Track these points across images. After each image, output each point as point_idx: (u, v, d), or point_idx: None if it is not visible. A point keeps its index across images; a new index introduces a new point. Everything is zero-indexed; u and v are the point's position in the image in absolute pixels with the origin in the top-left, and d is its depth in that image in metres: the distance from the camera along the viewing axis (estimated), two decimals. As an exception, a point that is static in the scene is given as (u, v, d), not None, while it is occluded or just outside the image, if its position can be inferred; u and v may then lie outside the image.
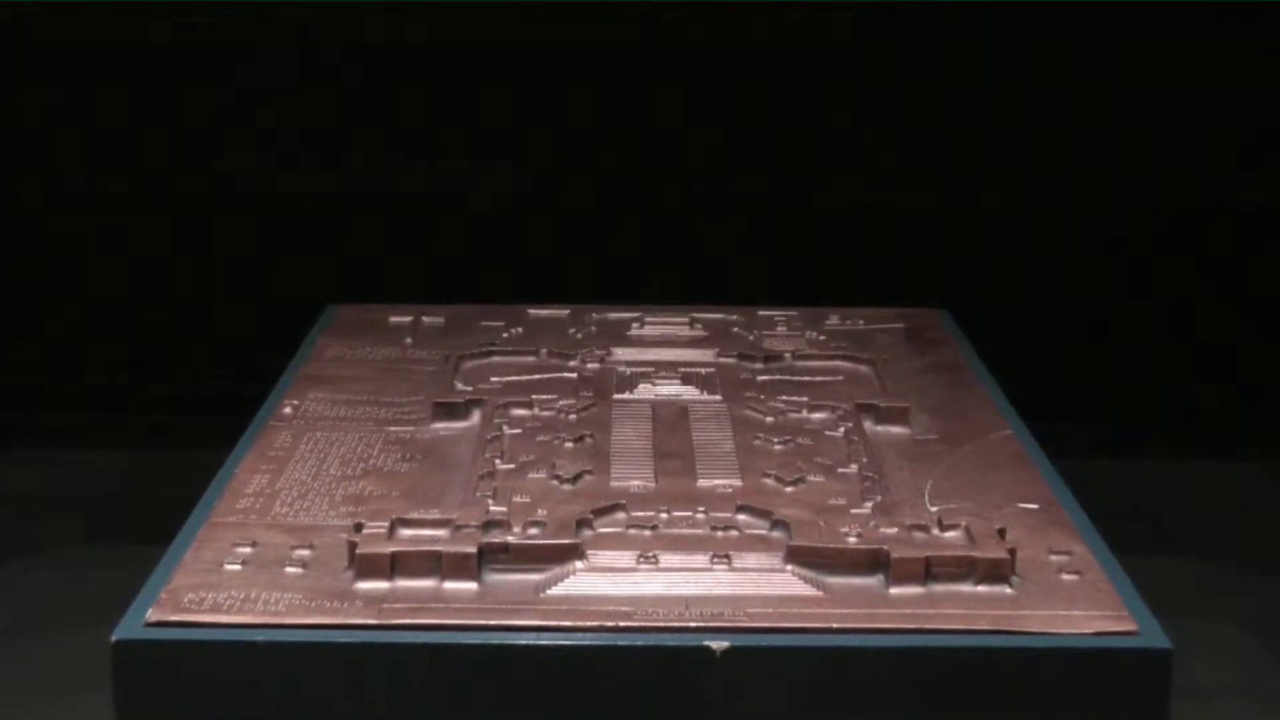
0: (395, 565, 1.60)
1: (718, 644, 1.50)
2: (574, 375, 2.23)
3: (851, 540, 1.64)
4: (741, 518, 1.73)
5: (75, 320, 4.16)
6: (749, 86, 4.09)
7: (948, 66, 4.01)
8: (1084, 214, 4.14)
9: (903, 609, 1.56)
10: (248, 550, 1.67)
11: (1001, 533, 1.66)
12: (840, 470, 1.88)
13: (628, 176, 4.15)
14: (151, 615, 1.54)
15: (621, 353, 2.30)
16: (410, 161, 4.16)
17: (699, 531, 1.70)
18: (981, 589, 1.59)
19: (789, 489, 1.82)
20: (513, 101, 4.09)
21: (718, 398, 2.14)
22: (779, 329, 2.42)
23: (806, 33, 4.05)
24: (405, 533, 1.65)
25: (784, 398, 2.13)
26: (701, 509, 1.75)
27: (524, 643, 1.51)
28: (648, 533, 1.70)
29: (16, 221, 4.15)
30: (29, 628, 3.23)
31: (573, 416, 2.05)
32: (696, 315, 2.46)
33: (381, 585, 1.59)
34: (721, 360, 2.29)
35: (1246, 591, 3.44)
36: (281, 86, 4.08)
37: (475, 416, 2.06)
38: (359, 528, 1.66)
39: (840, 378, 2.24)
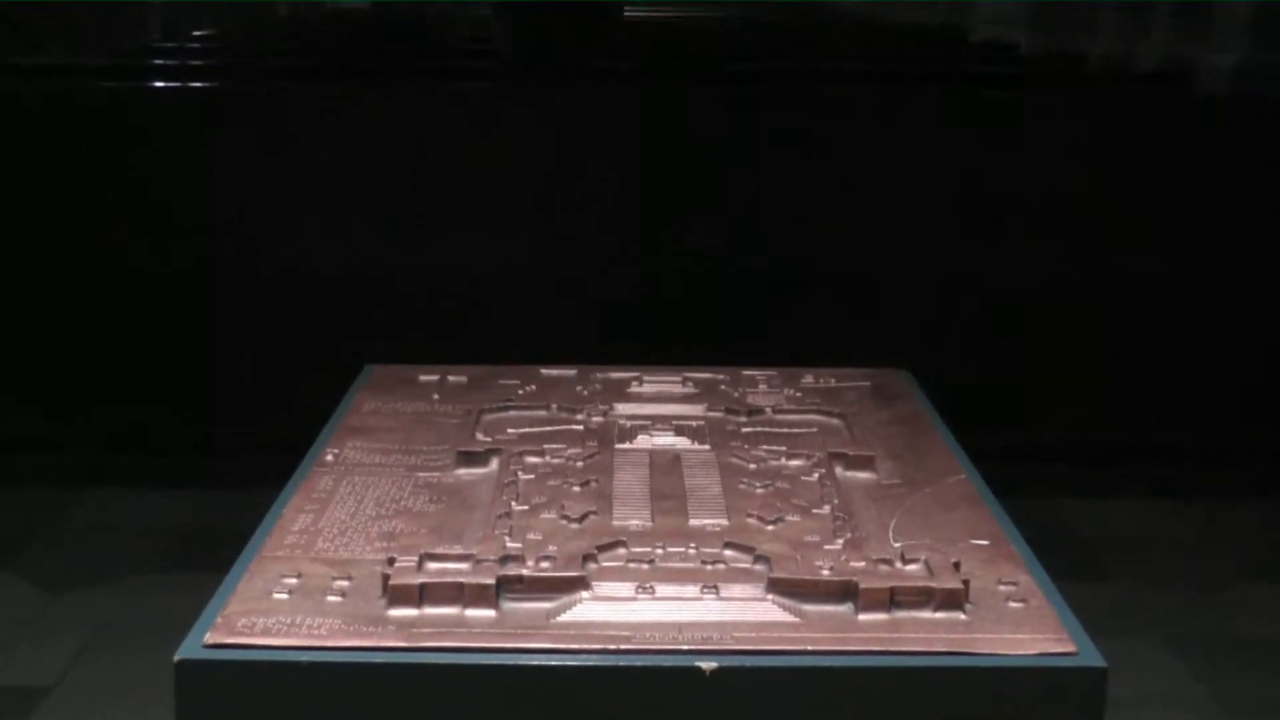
0: (423, 595, 1.59)
1: (707, 664, 1.50)
2: (581, 427, 2.22)
3: (825, 572, 1.64)
4: (728, 553, 1.73)
5: (157, 380, 4.18)
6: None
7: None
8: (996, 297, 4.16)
9: (870, 633, 1.56)
10: (294, 581, 1.66)
11: (956, 566, 1.66)
12: (815, 511, 1.87)
13: (629, 257, 4.17)
14: (209, 638, 1.54)
15: (622, 408, 2.30)
16: (440, 244, 4.17)
17: (690, 565, 1.70)
18: (939, 615, 1.59)
19: (770, 527, 1.82)
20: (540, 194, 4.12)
21: (707, 447, 2.13)
22: (760, 387, 2.41)
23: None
24: (432, 566, 1.65)
25: (765, 447, 2.13)
26: (693, 545, 1.74)
27: (536, 664, 1.51)
28: (645, 566, 1.69)
29: (112, 295, 4.18)
30: (103, 647, 3.23)
31: (580, 463, 2.05)
32: (688, 375, 2.45)
33: (411, 612, 1.58)
34: (710, 414, 2.28)
35: (1168, 612, 3.45)
36: (340, 174, 4.12)
37: (494, 463, 2.05)
38: (391, 561, 1.65)
39: (814, 429, 2.23)
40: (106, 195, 4.17)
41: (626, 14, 5.58)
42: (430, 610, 1.59)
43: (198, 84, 5.11)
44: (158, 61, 6.28)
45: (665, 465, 2.05)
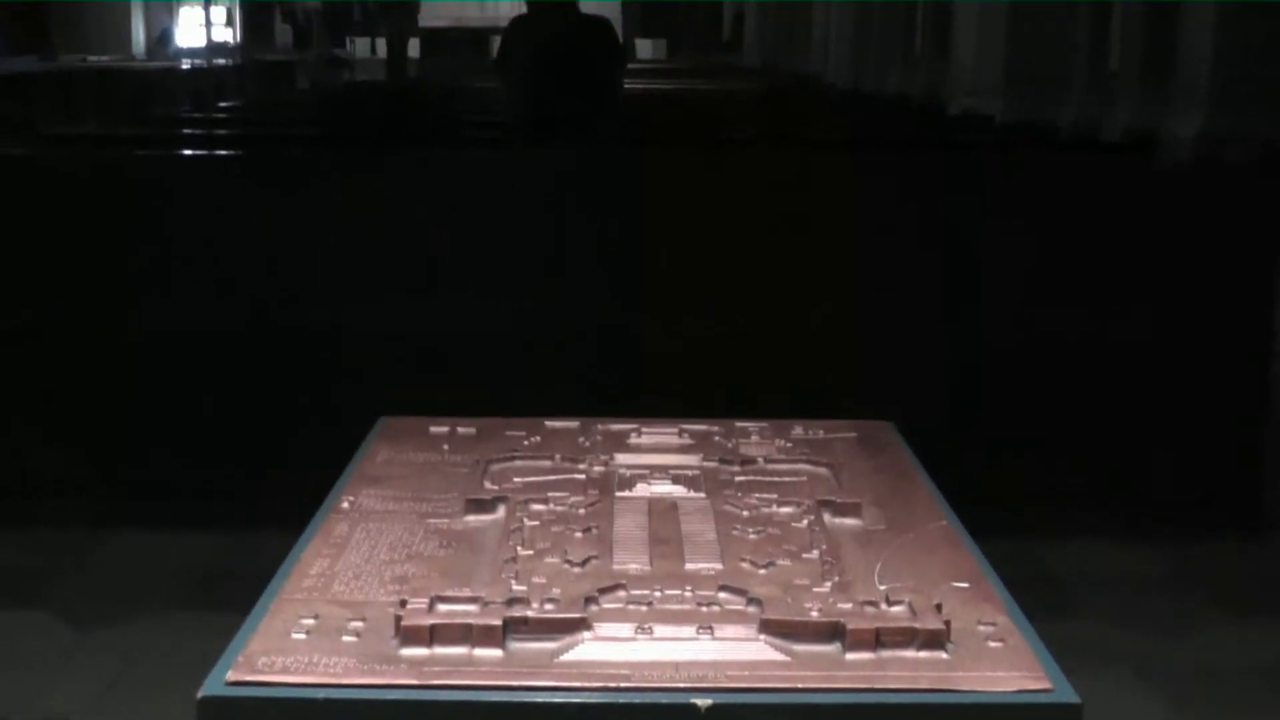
0: (434, 635, 1.59)
1: (702, 701, 1.49)
2: (583, 476, 2.22)
3: (814, 614, 1.63)
4: (722, 595, 1.72)
5: (183, 429, 4.19)
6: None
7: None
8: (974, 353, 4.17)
9: (857, 671, 1.55)
10: (311, 621, 1.65)
11: (939, 607, 1.65)
12: (804, 555, 1.87)
13: (632, 321, 4.19)
14: (231, 675, 1.53)
15: (622, 458, 2.29)
16: (452, 303, 4.19)
17: (687, 607, 1.69)
18: (922, 654, 1.58)
19: (762, 571, 1.81)
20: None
21: (702, 495, 2.13)
22: (753, 438, 2.41)
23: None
24: (442, 608, 1.64)
25: (757, 495, 2.12)
26: (689, 588, 1.74)
27: (541, 701, 1.51)
28: (644, 608, 1.68)
29: (140, 349, 4.19)
30: (131, 682, 3.22)
31: (582, 511, 2.04)
32: (684, 426, 2.45)
33: (422, 652, 1.58)
34: (705, 464, 2.27)
35: (1140, 647, 3.44)
36: (356, 235, 4.13)
37: (501, 510, 2.05)
38: (403, 603, 1.65)
39: (804, 478, 2.23)
40: (138, 255, 4.19)
41: (627, 86, 5.61)
42: (440, 650, 1.58)
43: (223, 151, 5.14)
44: (187, 131, 6.31)
45: (663, 512, 2.05)
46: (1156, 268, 4.15)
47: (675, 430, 2.43)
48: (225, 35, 29.46)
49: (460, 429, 2.45)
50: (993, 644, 1.62)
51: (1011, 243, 4.16)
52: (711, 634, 1.62)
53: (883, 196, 4.25)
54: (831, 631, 1.61)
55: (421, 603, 1.64)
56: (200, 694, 1.51)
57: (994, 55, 14.08)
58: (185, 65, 22.06)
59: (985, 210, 4.19)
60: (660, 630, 1.62)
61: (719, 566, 1.83)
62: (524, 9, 6.31)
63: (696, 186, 4.31)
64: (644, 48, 33.70)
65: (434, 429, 2.45)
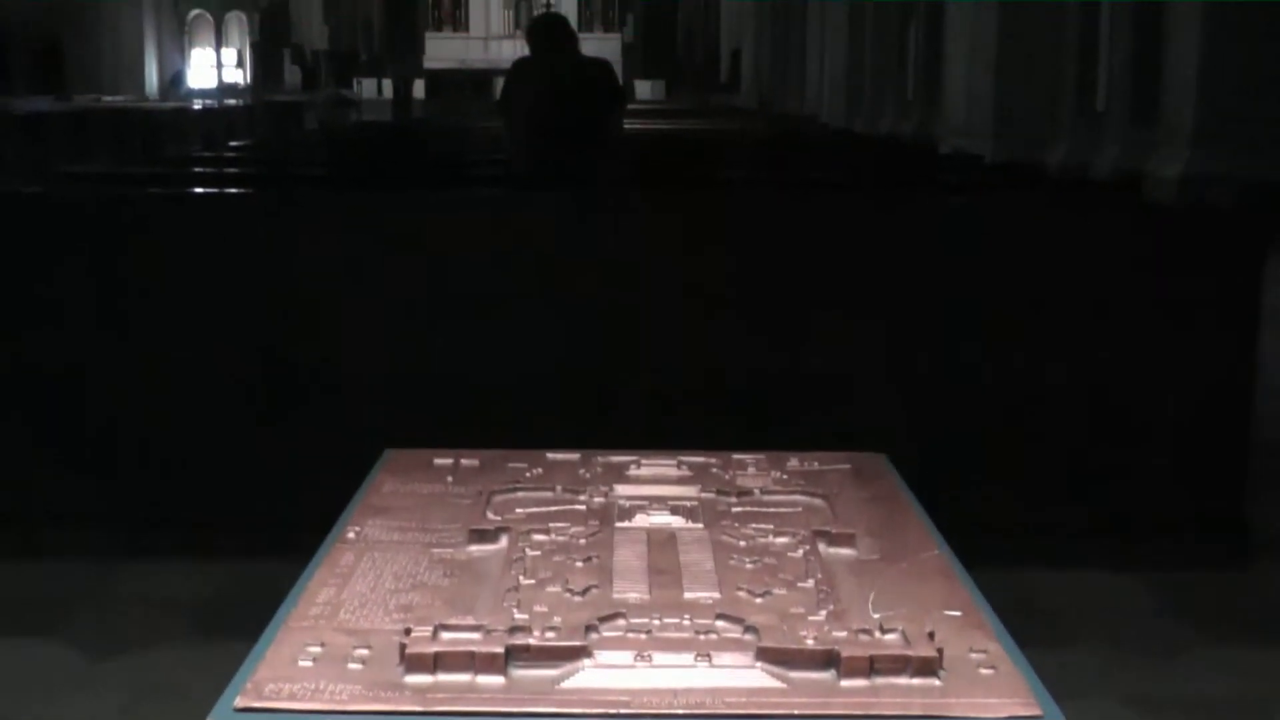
0: (438, 662, 1.59)
1: (700, 728, 1.49)
2: (583, 507, 2.21)
3: (809, 642, 1.63)
4: (720, 623, 1.72)
5: (194, 461, 4.19)
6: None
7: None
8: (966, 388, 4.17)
9: (852, 698, 1.55)
10: (318, 649, 1.65)
11: (931, 635, 1.65)
12: (800, 584, 1.87)
13: (628, 349, 4.19)
14: (239, 702, 1.53)
15: (622, 489, 2.29)
16: (454, 337, 4.19)
17: (685, 635, 1.69)
18: (916, 681, 1.58)
19: (758, 600, 1.81)
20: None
21: (700, 525, 2.13)
22: (749, 470, 2.41)
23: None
24: (446, 635, 1.64)
25: (754, 525, 2.12)
26: (687, 616, 1.74)
27: (543, 726, 1.50)
28: (643, 636, 1.68)
29: (150, 385, 4.19)
30: (143, 708, 3.21)
31: (582, 541, 2.04)
32: (682, 458, 2.45)
33: (426, 679, 1.57)
34: (703, 495, 2.27)
35: (1127, 674, 3.43)
36: (361, 272, 4.14)
37: (503, 540, 2.05)
38: (408, 631, 1.65)
39: (799, 509, 2.23)
40: (153, 291, 4.20)
41: (627, 126, 5.62)
42: (444, 677, 1.58)
43: (234, 190, 5.15)
44: (198, 170, 6.32)
45: (662, 542, 2.05)
46: (1142, 302, 4.16)
47: (674, 462, 2.43)
48: (236, 76, 29.60)
49: (464, 461, 2.45)
50: (984, 671, 1.62)
51: (1000, 280, 4.17)
52: (709, 661, 1.62)
53: (877, 236, 4.26)
54: (827, 659, 1.61)
55: (426, 630, 1.64)
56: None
57: (984, 98, 14.20)
58: (197, 105, 22.16)
59: (975, 249, 4.20)
60: (659, 658, 1.62)
61: (716, 595, 1.83)
62: (527, 51, 6.33)
63: (694, 226, 4.32)
64: (643, 88, 33.90)
65: (438, 461, 2.45)
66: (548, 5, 37.89)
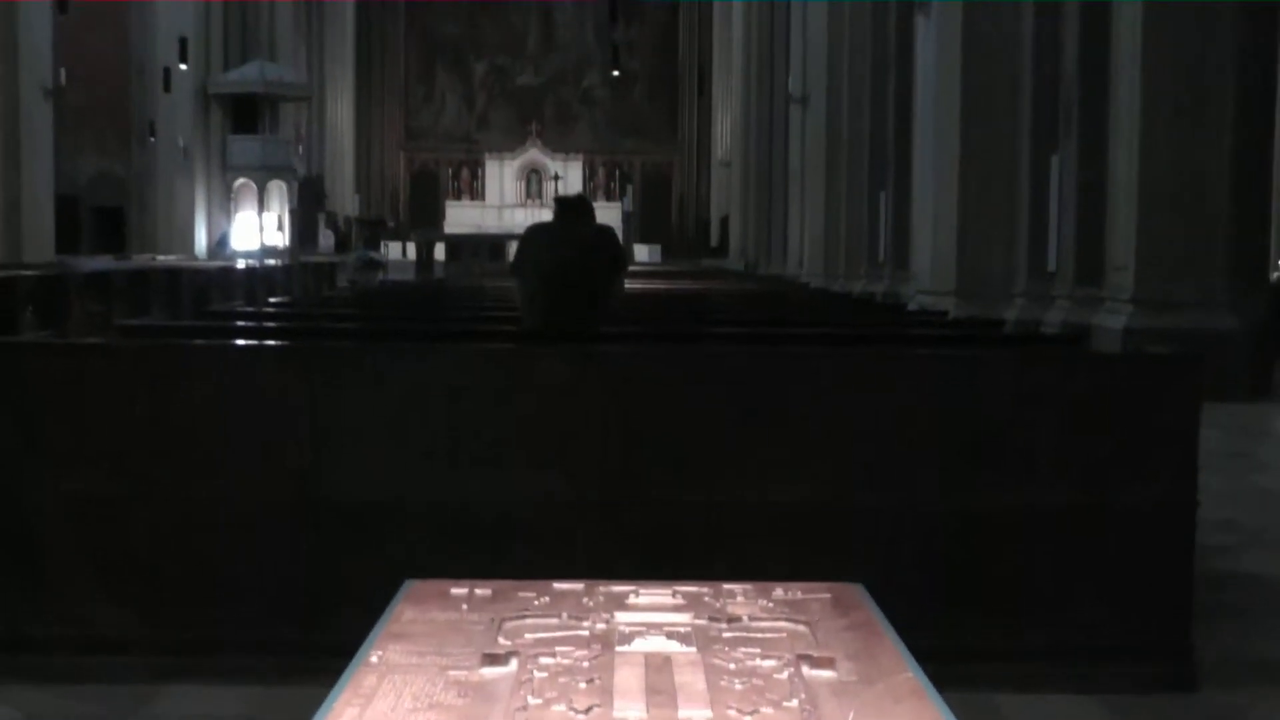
0: (453, 778, 1.56)
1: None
2: (587, 633, 2.20)
3: (794, 759, 1.60)
4: (712, 741, 1.70)
5: (228, 591, 4.15)
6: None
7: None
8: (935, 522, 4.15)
9: (833, 812, 1.52)
10: (343, 766, 1.62)
11: (906, 753, 1.63)
12: (785, 704, 1.85)
13: (626, 492, 4.18)
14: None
15: (622, 616, 2.27)
16: (469, 476, 4.19)
17: (680, 752, 1.66)
18: (892, 796, 1.55)
19: (747, 718, 1.79)
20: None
21: (693, 650, 2.11)
22: (738, 598, 2.39)
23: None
24: (460, 753, 1.62)
25: (742, 649, 2.10)
26: (682, 734, 1.71)
27: (549, 838, 1.47)
28: (642, 752, 1.66)
29: (190, 519, 4.17)
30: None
31: (586, 664, 2.02)
32: (677, 589, 2.43)
33: (442, 793, 1.54)
34: (696, 622, 2.26)
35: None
36: (387, 415, 4.15)
37: (513, 663, 2.03)
38: (426, 749, 1.62)
39: (784, 634, 2.21)
40: (192, 433, 4.20)
41: (627, 287, 5.68)
42: (458, 791, 1.55)
43: (272, 341, 5.18)
44: (240, 323, 6.36)
45: (658, 665, 2.03)
46: (1092, 439, 4.16)
47: (669, 592, 2.41)
48: (276, 239, 29.91)
49: (478, 590, 2.43)
50: (955, 785, 1.59)
51: (960, 421, 4.17)
52: (702, 777, 1.59)
53: (850, 382, 4.28)
54: (810, 775, 1.58)
55: (442, 748, 1.62)
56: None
57: (946, 260, 14.40)
58: (240, 265, 22.38)
59: (938, 394, 4.21)
60: (656, 773, 1.60)
61: (709, 714, 1.81)
62: (542, 218, 6.52)
63: (685, 377, 4.34)
64: (642, 252, 34.36)
65: (454, 590, 2.43)
66: (556, 178, 38.52)
